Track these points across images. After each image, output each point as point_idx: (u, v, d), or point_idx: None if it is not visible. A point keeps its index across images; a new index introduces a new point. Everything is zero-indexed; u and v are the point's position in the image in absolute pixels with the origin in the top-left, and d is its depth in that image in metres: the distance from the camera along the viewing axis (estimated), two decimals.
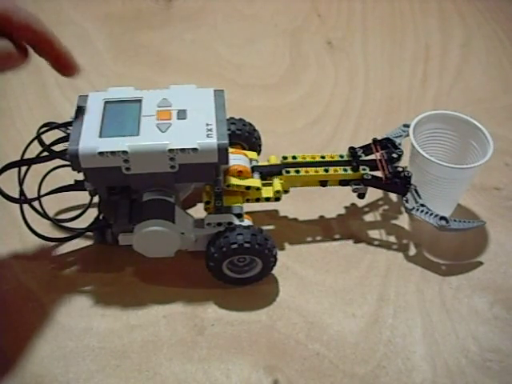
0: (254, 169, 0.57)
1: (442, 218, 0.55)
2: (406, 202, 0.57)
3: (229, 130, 0.59)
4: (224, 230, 0.52)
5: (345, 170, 0.57)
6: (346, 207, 0.64)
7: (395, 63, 0.86)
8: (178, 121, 0.49)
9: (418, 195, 0.57)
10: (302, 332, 0.53)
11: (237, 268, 0.54)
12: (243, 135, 0.61)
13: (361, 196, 0.59)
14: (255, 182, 0.56)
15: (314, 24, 0.93)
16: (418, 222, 0.63)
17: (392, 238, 0.61)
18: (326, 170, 0.57)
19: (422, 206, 0.56)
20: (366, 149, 0.60)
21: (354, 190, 0.58)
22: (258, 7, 0.96)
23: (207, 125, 0.49)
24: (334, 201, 0.65)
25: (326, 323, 0.54)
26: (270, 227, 0.62)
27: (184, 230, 0.51)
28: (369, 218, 0.63)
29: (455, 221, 0.56)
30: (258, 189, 0.55)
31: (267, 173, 0.57)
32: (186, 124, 0.49)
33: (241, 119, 0.62)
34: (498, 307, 0.56)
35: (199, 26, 0.91)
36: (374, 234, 0.62)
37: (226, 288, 0.56)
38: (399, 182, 0.57)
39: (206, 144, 0.47)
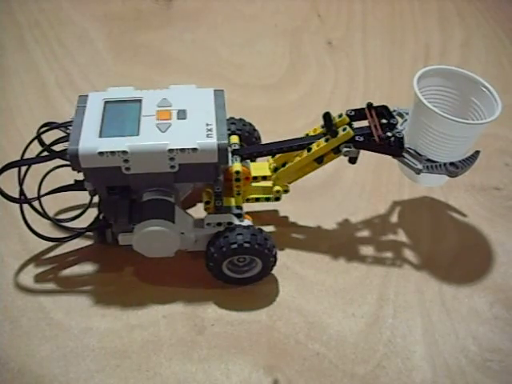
0: (233, 152, 0.56)
1: (451, 164, 0.54)
2: (415, 165, 0.55)
3: (229, 129, 0.59)
4: (224, 230, 0.52)
5: (326, 140, 0.54)
6: (345, 207, 0.64)
7: (395, 63, 0.85)
8: (178, 121, 0.49)
9: (419, 154, 0.55)
10: (302, 332, 0.53)
11: (237, 268, 0.54)
12: (243, 135, 0.61)
13: (352, 160, 0.56)
14: (236, 166, 0.54)
15: (314, 24, 0.92)
16: (418, 222, 0.63)
17: (392, 238, 0.61)
18: (309, 150, 0.55)
19: (428, 161, 0.55)
20: (359, 113, 0.57)
21: (345, 154, 0.55)
22: (258, 7, 0.96)
23: (207, 125, 0.49)
24: (334, 200, 0.65)
25: (326, 323, 0.54)
26: (270, 227, 0.62)
27: (184, 229, 0.51)
28: (368, 217, 0.63)
29: (461, 162, 0.54)
30: (238, 172, 0.54)
31: (247, 155, 0.56)
32: (186, 124, 0.49)
33: (241, 119, 0.62)
34: (498, 307, 0.56)
35: (199, 26, 0.91)
36: (373, 233, 0.62)
37: (225, 288, 0.56)
38: (393, 143, 0.54)
39: (205, 144, 0.47)
